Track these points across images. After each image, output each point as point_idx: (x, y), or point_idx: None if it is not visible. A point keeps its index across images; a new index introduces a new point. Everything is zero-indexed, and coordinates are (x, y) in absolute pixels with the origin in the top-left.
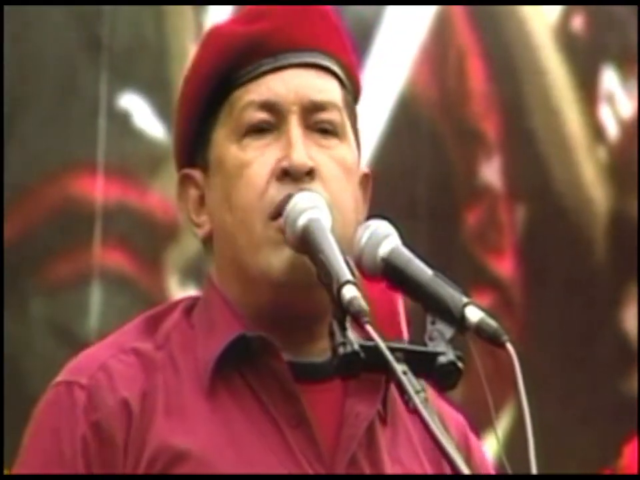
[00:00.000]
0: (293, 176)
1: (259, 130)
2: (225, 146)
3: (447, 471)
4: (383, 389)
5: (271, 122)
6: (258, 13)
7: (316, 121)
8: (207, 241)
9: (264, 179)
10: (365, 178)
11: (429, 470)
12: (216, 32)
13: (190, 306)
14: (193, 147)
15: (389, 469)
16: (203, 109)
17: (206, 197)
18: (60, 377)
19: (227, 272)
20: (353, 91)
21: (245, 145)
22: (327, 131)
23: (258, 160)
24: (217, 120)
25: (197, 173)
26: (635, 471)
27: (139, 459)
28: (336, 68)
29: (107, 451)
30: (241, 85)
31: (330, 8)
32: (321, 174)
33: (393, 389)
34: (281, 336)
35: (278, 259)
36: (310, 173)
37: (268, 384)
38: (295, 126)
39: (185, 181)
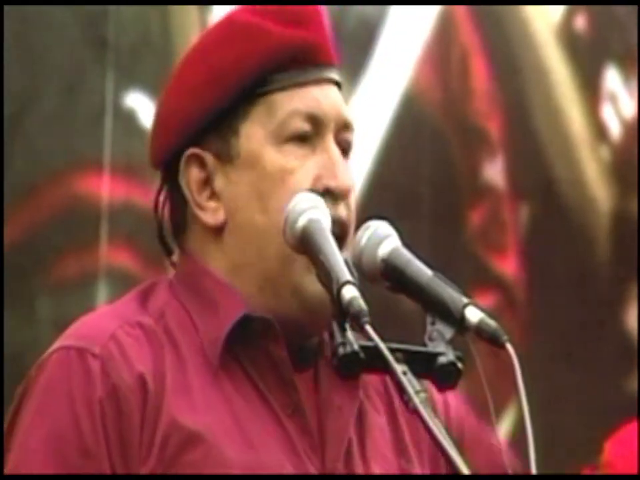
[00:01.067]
0: (336, 196)
1: (300, 139)
2: (263, 145)
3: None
4: (359, 383)
5: (311, 133)
6: (298, 15)
7: (341, 140)
8: (216, 229)
9: (307, 190)
10: None
11: (402, 462)
12: (253, 27)
13: (169, 286)
14: (206, 130)
15: (374, 463)
16: (232, 98)
17: (219, 184)
18: (65, 342)
19: (244, 270)
20: None
21: (286, 151)
22: (346, 151)
23: (300, 170)
24: (248, 114)
25: (208, 156)
26: (618, 468)
27: (152, 438)
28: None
29: (124, 424)
30: (283, 89)
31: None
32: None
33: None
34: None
35: (313, 285)
36: (348, 194)
37: (265, 369)
38: (333, 144)
39: (190, 160)
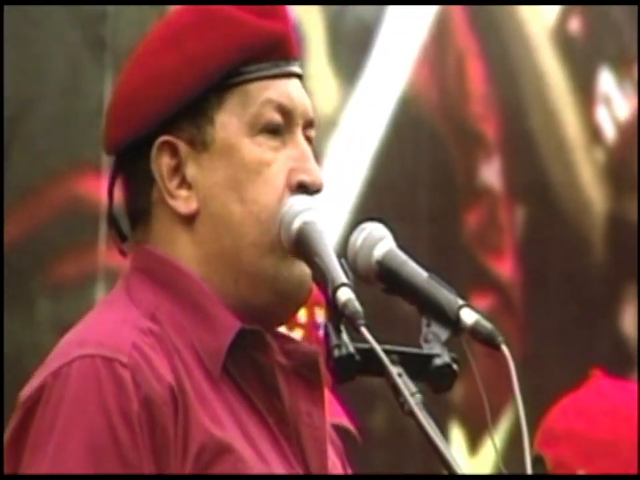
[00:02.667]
0: (309, 191)
1: (272, 131)
2: (238, 136)
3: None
4: (322, 388)
5: (282, 126)
6: (271, 10)
7: (306, 136)
8: (186, 218)
9: (282, 184)
10: None
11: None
12: (229, 17)
13: (142, 283)
14: (178, 117)
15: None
16: (207, 85)
17: (191, 172)
18: (85, 350)
19: (218, 260)
20: None
21: (259, 142)
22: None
23: (276, 162)
24: (223, 104)
25: (180, 143)
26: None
27: (185, 450)
28: None
29: (159, 436)
30: (257, 79)
31: None
32: None
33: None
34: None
35: (288, 270)
36: (321, 190)
37: (252, 377)
38: (302, 139)
39: (162, 146)
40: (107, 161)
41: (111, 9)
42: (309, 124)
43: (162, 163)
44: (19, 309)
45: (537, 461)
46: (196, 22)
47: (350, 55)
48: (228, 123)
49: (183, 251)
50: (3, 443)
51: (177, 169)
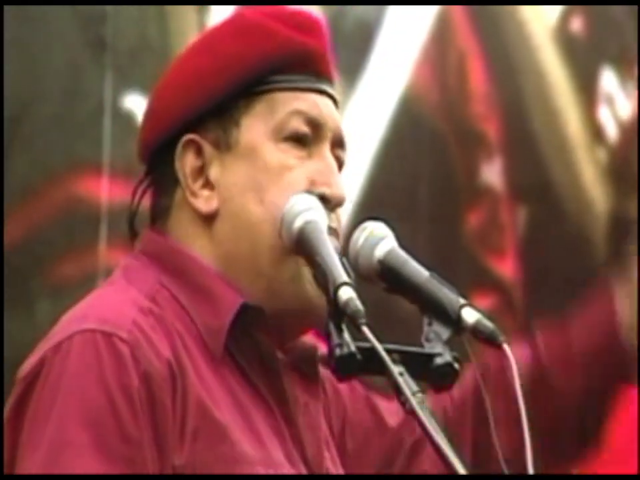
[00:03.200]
0: (330, 204)
1: (298, 140)
2: (262, 139)
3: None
4: (321, 383)
5: (309, 137)
6: (308, 22)
7: (336, 156)
8: (207, 216)
9: (303, 190)
10: None
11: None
12: (265, 25)
13: (144, 267)
14: (206, 117)
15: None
16: (236, 89)
17: (214, 173)
18: (86, 325)
19: (235, 260)
20: None
21: (283, 149)
22: (339, 167)
23: (298, 169)
24: (250, 108)
25: (205, 144)
26: None
27: (183, 428)
28: None
29: (158, 413)
30: (285, 89)
31: None
32: None
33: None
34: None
35: (308, 277)
36: (342, 204)
37: (253, 359)
38: (329, 154)
39: (188, 145)
40: (107, 162)
41: (110, 9)
42: (338, 143)
43: (186, 162)
44: (19, 309)
45: None
46: (231, 29)
47: (350, 55)
48: (253, 126)
49: (200, 248)
50: (2, 435)
51: (202, 170)
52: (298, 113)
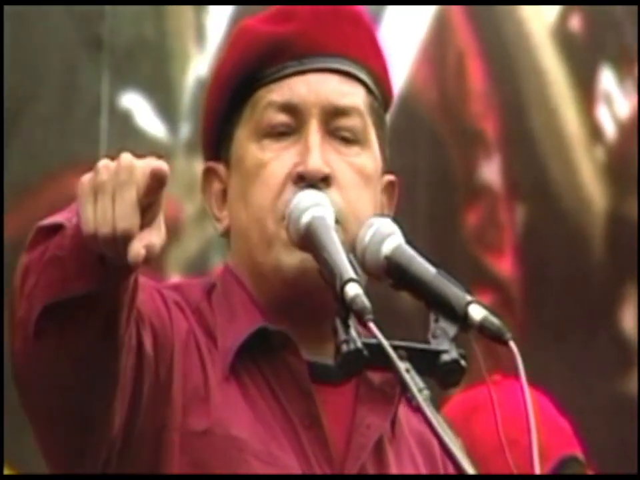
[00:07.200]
0: (308, 181)
1: (278, 133)
2: (245, 144)
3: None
4: (396, 403)
5: (291, 125)
6: (286, 13)
7: (337, 127)
8: (226, 234)
9: (280, 180)
10: (390, 185)
11: None
12: (243, 31)
13: (208, 287)
14: (217, 142)
15: None
16: (228, 105)
17: (227, 192)
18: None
19: (242, 265)
20: (382, 98)
21: (264, 146)
22: (348, 139)
23: (275, 161)
24: (240, 118)
25: (221, 168)
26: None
27: (168, 385)
28: (363, 74)
29: (166, 339)
30: (263, 85)
31: (362, 10)
32: (338, 181)
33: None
34: (294, 330)
35: (289, 258)
36: (325, 180)
37: (284, 380)
38: (314, 131)
39: (209, 174)
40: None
41: (108, 8)
42: (333, 112)
43: (211, 190)
44: None
45: (571, 460)
46: (227, 44)
47: None
48: (241, 134)
49: (230, 260)
50: (2, 440)
51: (225, 192)
52: (270, 104)
